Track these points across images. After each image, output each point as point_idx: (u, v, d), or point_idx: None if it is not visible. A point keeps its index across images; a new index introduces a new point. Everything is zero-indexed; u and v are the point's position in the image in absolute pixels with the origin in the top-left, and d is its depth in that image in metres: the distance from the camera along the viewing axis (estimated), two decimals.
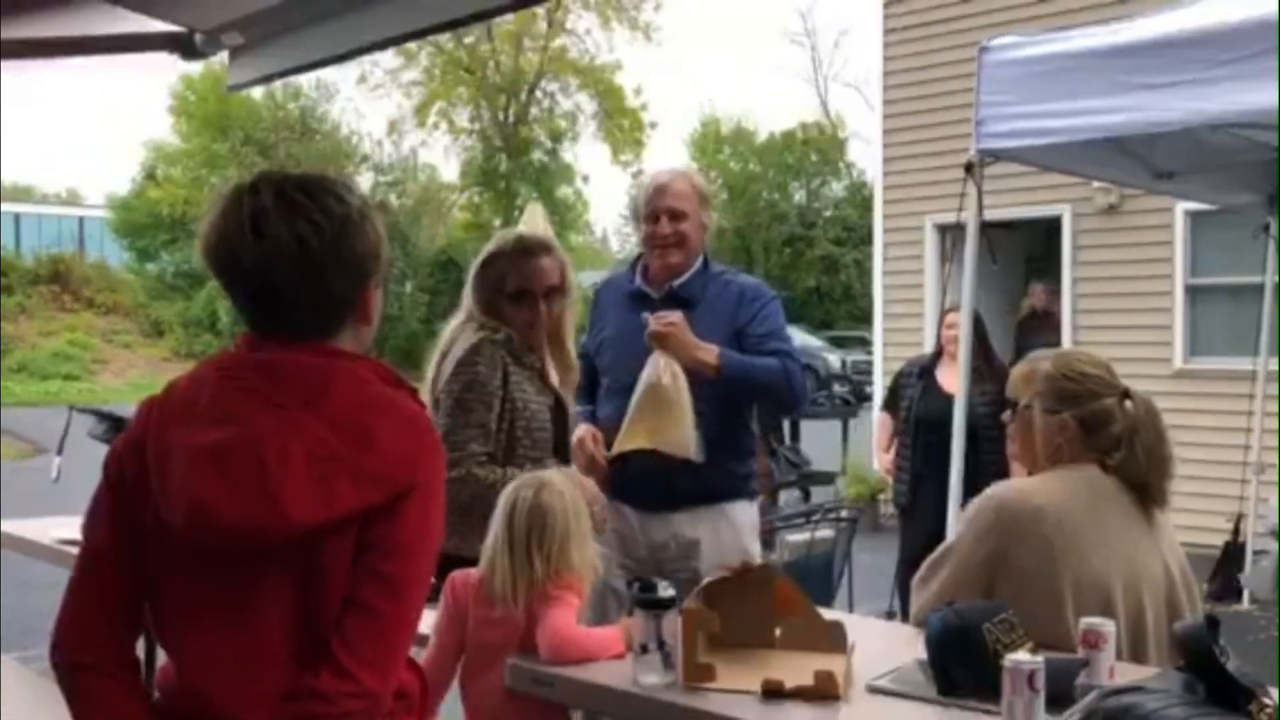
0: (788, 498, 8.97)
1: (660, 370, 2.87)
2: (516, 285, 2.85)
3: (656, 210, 3.04)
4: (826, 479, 9.88)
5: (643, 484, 2.96)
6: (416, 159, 32.25)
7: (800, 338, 22.04)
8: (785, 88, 78.50)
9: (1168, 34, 3.35)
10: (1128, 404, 2.21)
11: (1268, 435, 6.07)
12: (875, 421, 6.11)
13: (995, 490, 2.24)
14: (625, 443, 2.90)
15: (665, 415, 2.87)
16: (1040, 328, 8.78)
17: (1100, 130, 3.50)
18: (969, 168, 3.80)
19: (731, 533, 3.03)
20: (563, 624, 2.20)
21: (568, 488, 2.36)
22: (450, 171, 33.22)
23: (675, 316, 2.90)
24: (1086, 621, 1.99)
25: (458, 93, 31.32)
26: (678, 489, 2.96)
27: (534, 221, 7.53)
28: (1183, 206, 7.79)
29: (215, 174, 27.73)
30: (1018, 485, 2.30)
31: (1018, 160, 4.10)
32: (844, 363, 20.68)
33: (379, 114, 45.57)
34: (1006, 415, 2.35)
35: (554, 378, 2.93)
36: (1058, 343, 8.18)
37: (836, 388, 18.78)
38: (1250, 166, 4.67)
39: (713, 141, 33.34)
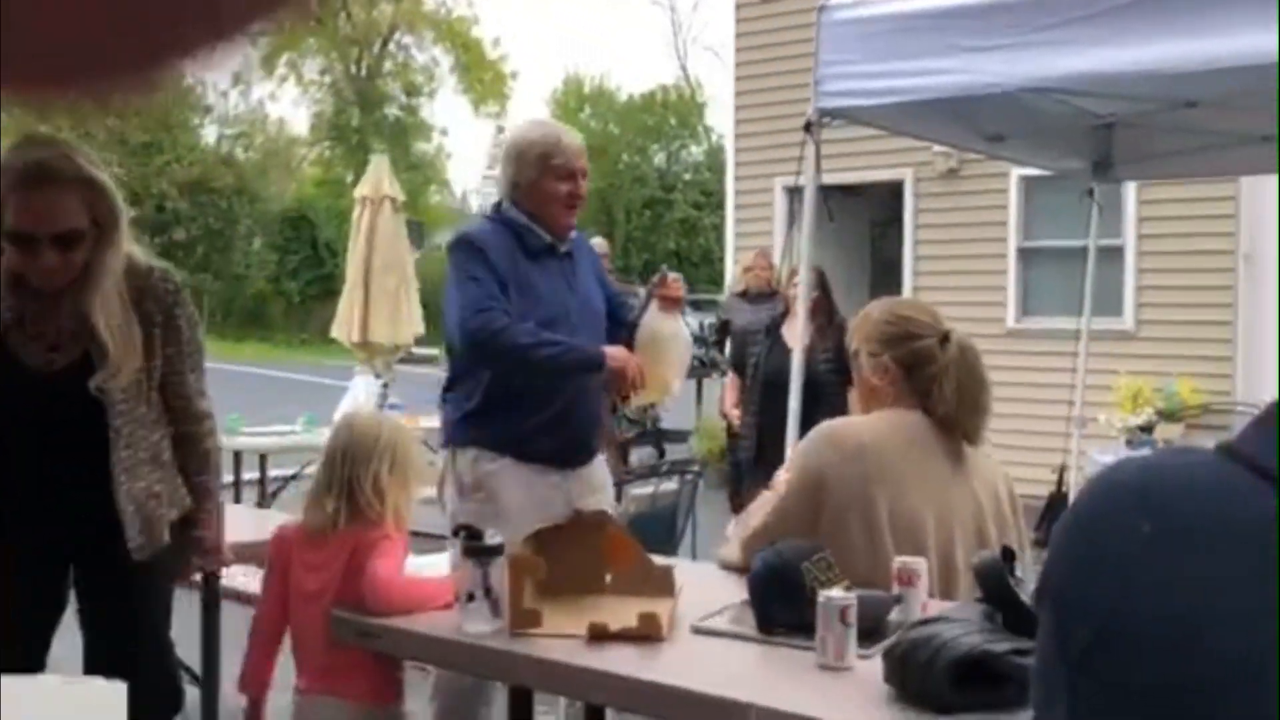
0: (640, 454, 9.09)
1: (679, 326, 3.08)
2: (14, 225, 2.21)
3: (574, 170, 3.03)
4: (680, 437, 10.04)
5: (564, 440, 3.00)
6: (265, 111, 31.13)
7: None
8: (646, 50, 78.40)
9: None
10: (946, 345, 2.28)
11: (1089, 391, 6.39)
12: (726, 382, 6.23)
13: (820, 428, 2.31)
14: (651, 395, 3.08)
15: (675, 366, 3.08)
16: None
17: (930, 91, 3.59)
18: (808, 127, 3.86)
19: (606, 484, 3.23)
20: (386, 572, 2.17)
21: (385, 428, 2.39)
22: (301, 125, 32.17)
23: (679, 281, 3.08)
24: (901, 560, 2.07)
25: (307, 44, 30.29)
26: (589, 444, 3.11)
27: (378, 178, 7.39)
28: (1017, 172, 8.10)
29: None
30: (842, 423, 2.37)
31: (855, 120, 4.18)
32: (702, 325, 20.96)
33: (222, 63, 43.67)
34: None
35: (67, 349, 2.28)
36: None
37: (695, 349, 19.03)
38: (1074, 132, 4.87)
39: (574, 100, 33.14)
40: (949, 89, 3.54)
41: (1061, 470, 6.59)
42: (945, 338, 2.28)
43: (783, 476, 2.31)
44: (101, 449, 2.28)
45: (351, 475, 2.27)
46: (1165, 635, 0.71)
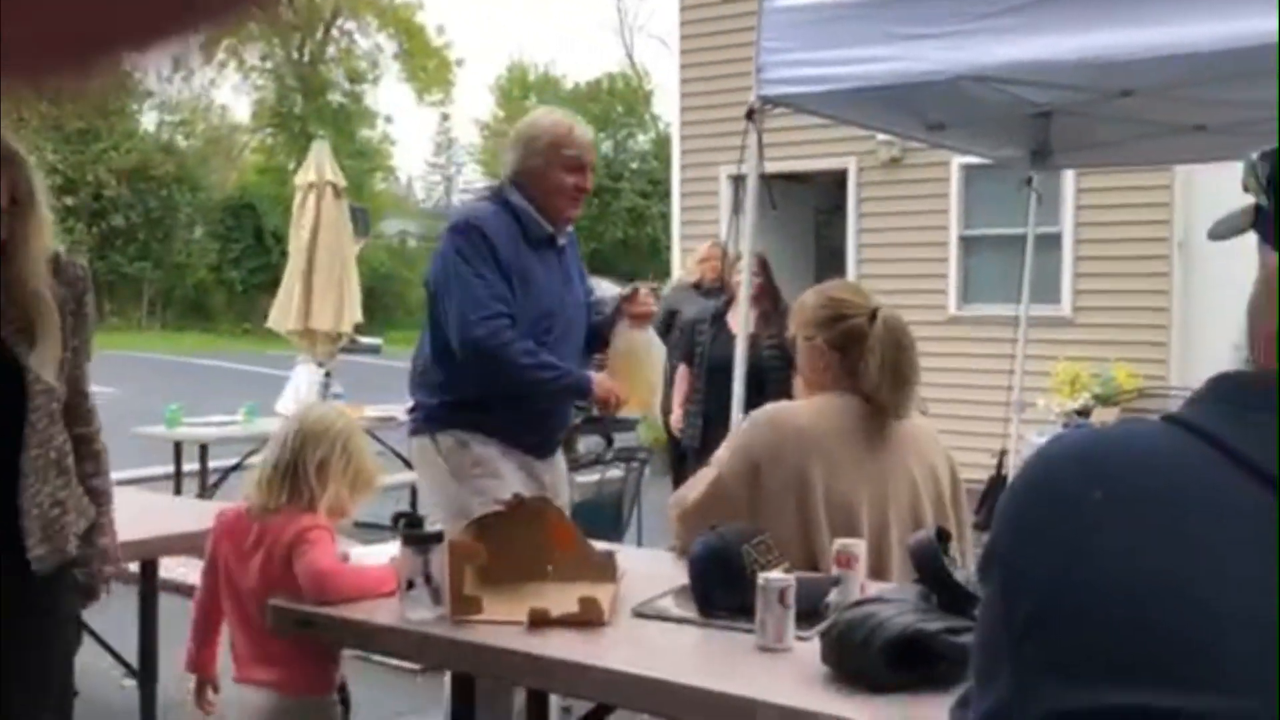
0: (588, 443, 9.09)
1: (652, 339, 3.11)
2: None
3: (584, 162, 2.99)
4: (628, 425, 10.05)
5: (539, 428, 3.02)
6: (210, 98, 30.60)
7: (608, 290, 22.30)
8: (592, 38, 78.18)
9: None
10: (873, 322, 2.29)
11: (1027, 377, 6.50)
12: (678, 373, 6.23)
13: (758, 411, 2.33)
14: (634, 409, 3.17)
15: (653, 380, 3.16)
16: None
17: (870, 79, 3.61)
18: (750, 115, 3.87)
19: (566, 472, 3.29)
20: (325, 560, 2.16)
21: (343, 420, 2.37)
22: (243, 111, 31.70)
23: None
24: (840, 542, 2.09)
25: (248, 29, 29.79)
26: (560, 437, 3.16)
27: (320, 164, 7.30)
28: (958, 161, 8.19)
29: None
30: (779, 407, 2.39)
31: (796, 108, 4.20)
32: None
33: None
34: None
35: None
36: None
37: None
38: (1013, 121, 4.93)
39: (518, 89, 32.96)
40: (888, 77, 3.57)
41: (1001, 454, 6.68)
42: (873, 315, 2.30)
43: (722, 454, 2.33)
44: (12, 446, 2.04)
45: (299, 457, 2.26)
46: (1115, 602, 0.71)
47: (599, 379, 2.97)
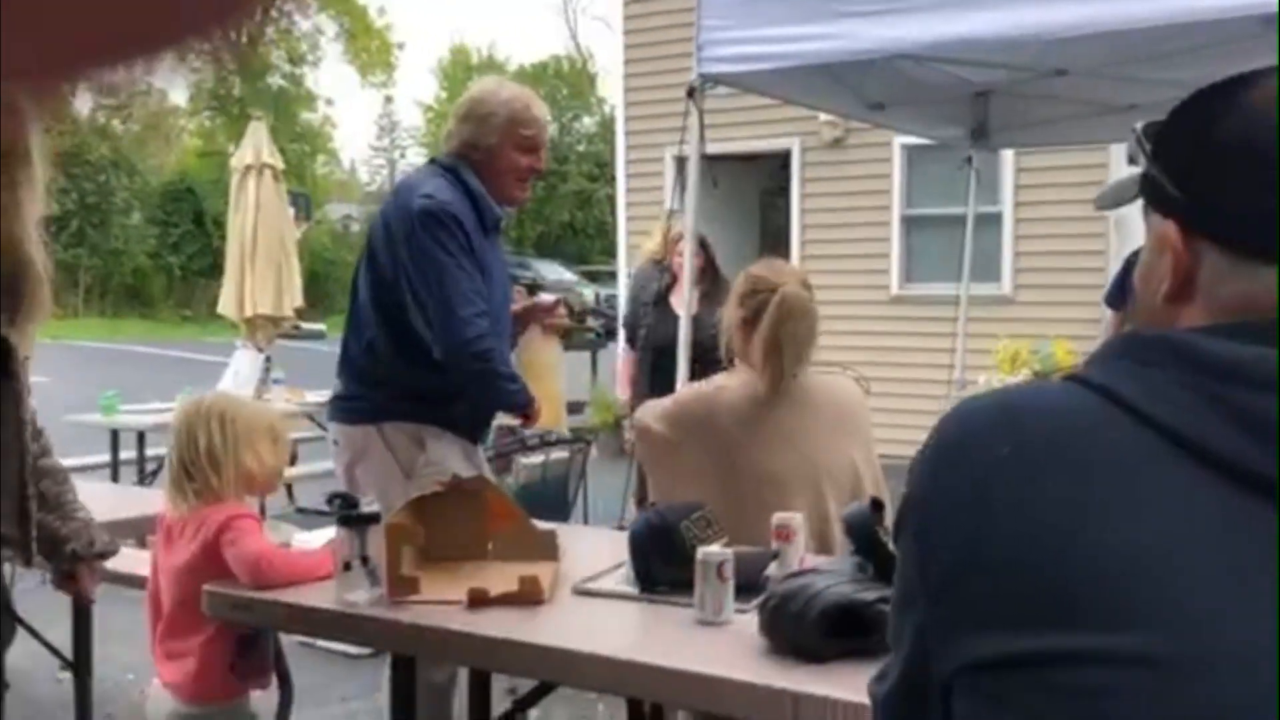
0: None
1: (559, 352, 3.05)
2: None
3: (539, 142, 2.81)
4: (576, 408, 10.07)
5: (483, 420, 3.01)
6: (146, 81, 29.96)
7: (555, 272, 22.26)
8: (536, 19, 77.66)
9: None
10: (775, 295, 2.31)
11: (969, 355, 6.58)
12: (620, 355, 6.22)
13: (677, 394, 2.37)
14: (547, 422, 3.11)
15: (560, 393, 3.07)
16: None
17: (811, 57, 3.63)
18: (690, 93, 3.87)
19: None
20: (255, 544, 2.13)
21: (207, 399, 2.32)
22: (179, 94, 31.08)
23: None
24: (778, 516, 2.11)
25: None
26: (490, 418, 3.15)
27: (257, 145, 7.18)
28: (900, 141, 8.26)
29: None
30: (696, 388, 2.44)
31: (736, 86, 4.20)
32: (598, 296, 21.02)
33: None
34: None
35: None
36: None
37: (590, 321, 19.05)
38: (952, 100, 4.98)
39: (461, 71, 32.68)
40: (826, 55, 3.59)
41: None
42: (775, 290, 2.32)
43: (655, 428, 2.37)
44: None
45: (186, 453, 2.23)
46: (1024, 553, 0.73)
47: (534, 397, 2.91)
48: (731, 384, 2.34)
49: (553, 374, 3.03)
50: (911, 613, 0.80)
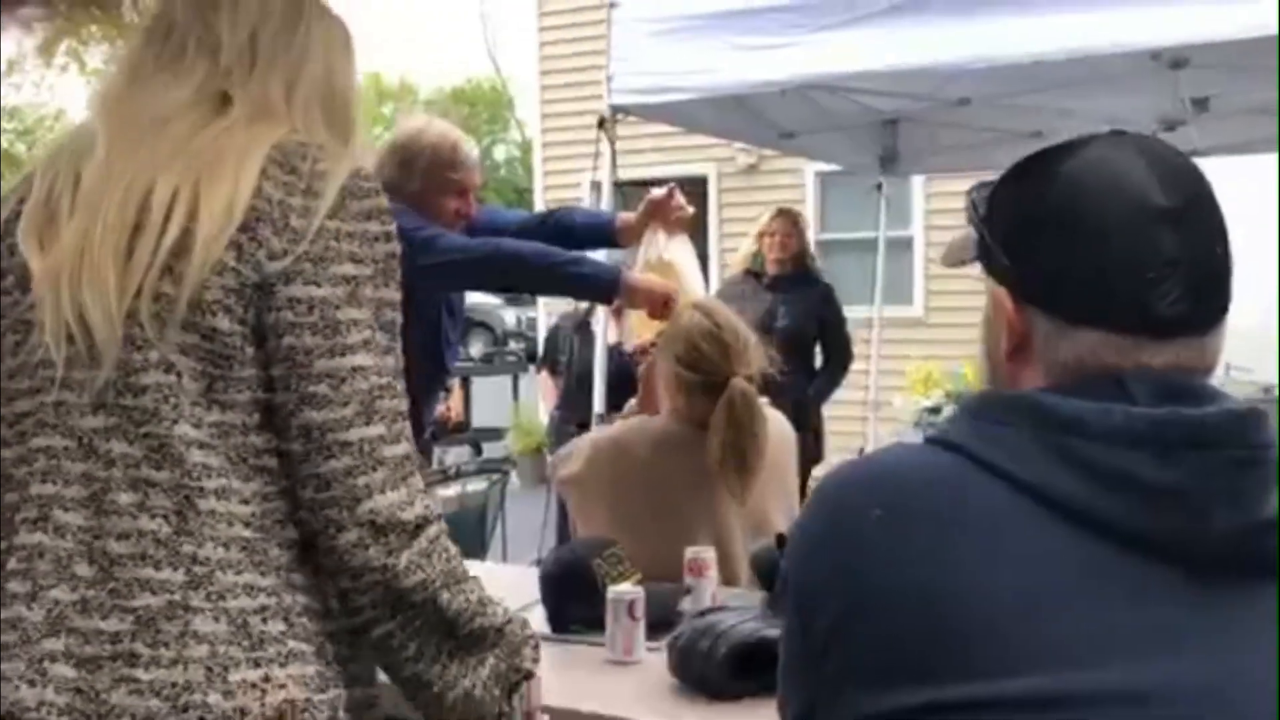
0: (457, 453, 8.97)
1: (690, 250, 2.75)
2: None
3: (469, 186, 2.64)
4: (497, 435, 9.97)
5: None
6: (50, 105, 29.20)
7: (476, 296, 22.05)
8: (453, 44, 77.38)
9: None
10: (725, 391, 2.17)
11: (883, 376, 6.69)
12: (539, 380, 6.19)
13: (594, 435, 2.34)
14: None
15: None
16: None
17: (717, 90, 3.68)
18: (601, 123, 3.89)
19: None
20: None
21: None
22: (84, 117, 30.33)
23: None
24: (691, 551, 2.10)
25: (89, 30, 28.56)
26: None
27: None
28: (812, 167, 8.39)
29: None
30: (611, 431, 2.39)
31: (649, 117, 4.24)
32: (519, 320, 20.90)
33: None
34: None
35: None
36: None
37: (512, 344, 18.94)
38: (861, 129, 5.08)
39: (374, 94, 32.40)
40: (732, 87, 3.64)
41: (860, 452, 6.86)
42: (725, 384, 2.16)
43: (574, 470, 2.33)
44: None
45: None
46: (896, 611, 0.76)
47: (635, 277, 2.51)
48: (655, 424, 2.30)
49: (693, 274, 2.68)
50: (797, 677, 0.81)
